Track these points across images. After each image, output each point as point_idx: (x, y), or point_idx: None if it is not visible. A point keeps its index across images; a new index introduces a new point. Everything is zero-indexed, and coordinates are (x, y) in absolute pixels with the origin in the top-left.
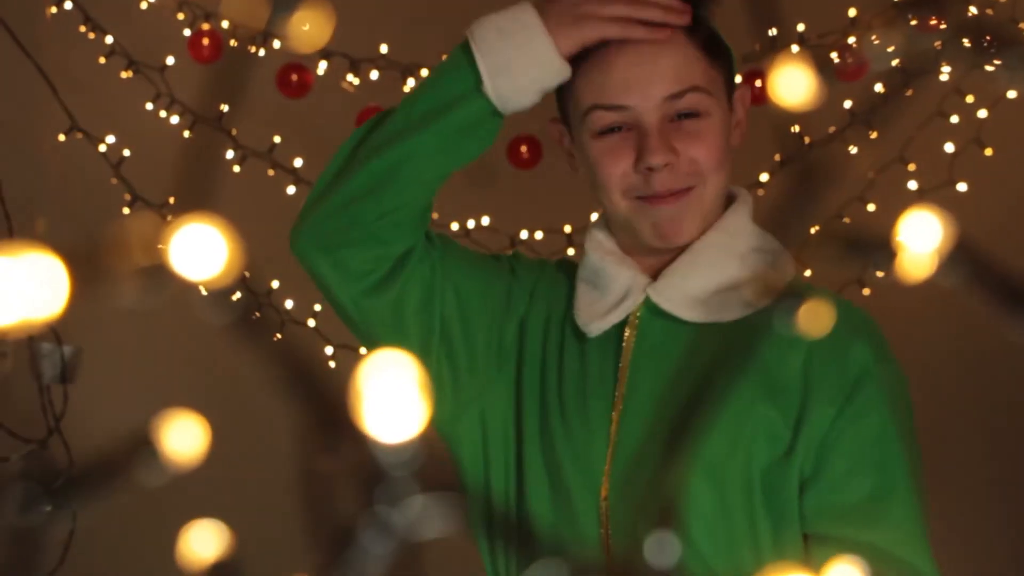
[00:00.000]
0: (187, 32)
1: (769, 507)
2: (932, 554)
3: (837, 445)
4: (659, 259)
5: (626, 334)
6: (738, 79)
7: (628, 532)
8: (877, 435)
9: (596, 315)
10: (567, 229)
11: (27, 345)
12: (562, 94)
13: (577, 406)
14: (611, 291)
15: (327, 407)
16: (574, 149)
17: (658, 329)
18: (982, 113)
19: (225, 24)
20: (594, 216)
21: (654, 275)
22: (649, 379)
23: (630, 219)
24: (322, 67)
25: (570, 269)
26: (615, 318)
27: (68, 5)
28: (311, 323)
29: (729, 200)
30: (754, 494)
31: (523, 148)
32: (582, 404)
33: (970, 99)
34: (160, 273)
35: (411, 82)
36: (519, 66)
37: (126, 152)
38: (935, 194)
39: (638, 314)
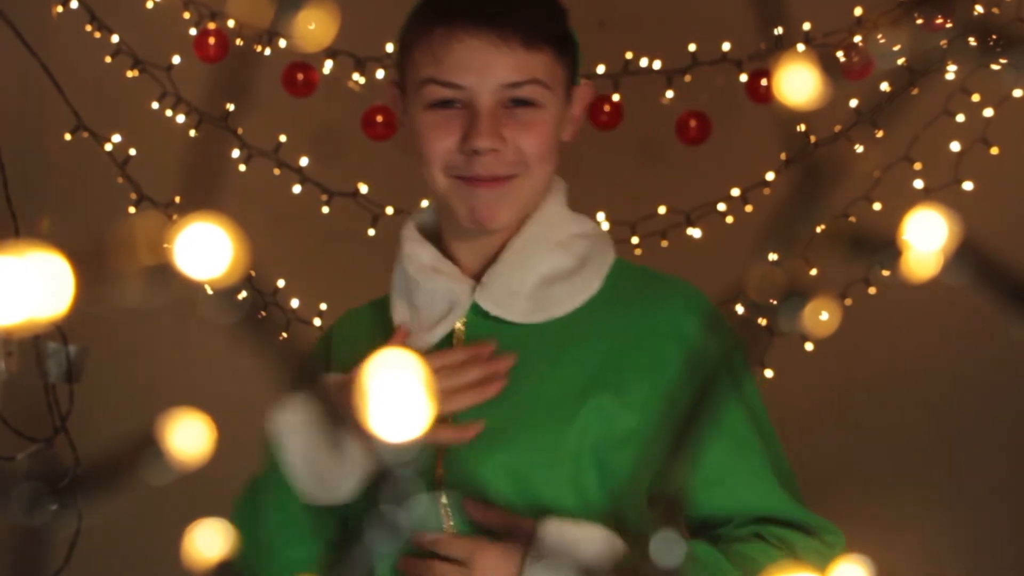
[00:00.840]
0: (193, 31)
1: (600, 473)
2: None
3: (710, 440)
4: (480, 256)
5: (454, 340)
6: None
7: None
8: (736, 417)
9: (423, 331)
10: None
11: (33, 344)
12: (402, 58)
13: None
14: (434, 305)
15: (331, 405)
16: (405, 117)
17: (488, 331)
18: (988, 112)
19: (231, 23)
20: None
21: (476, 275)
22: None
23: (448, 197)
24: (328, 66)
25: (364, 311)
26: (443, 330)
27: (74, 4)
28: (317, 322)
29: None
30: (582, 465)
31: None
32: None
33: (976, 98)
34: (165, 272)
35: None
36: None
37: (132, 151)
38: (941, 193)
39: (464, 319)
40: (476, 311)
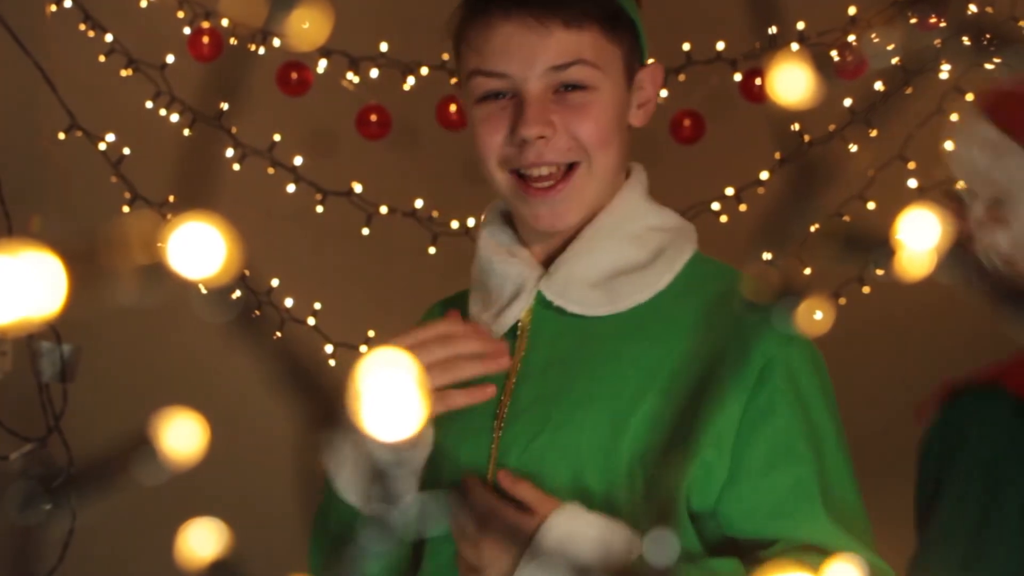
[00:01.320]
0: (187, 30)
1: (650, 490)
2: (870, 537)
3: (750, 445)
4: (552, 245)
5: (519, 329)
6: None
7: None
8: (788, 428)
9: (492, 317)
10: None
11: (27, 344)
12: (455, 58)
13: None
14: (504, 289)
15: (326, 405)
16: (469, 117)
17: (551, 321)
18: None
19: (225, 22)
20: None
21: (548, 262)
22: (538, 373)
23: (510, 199)
24: (322, 65)
25: (455, 297)
26: (510, 319)
27: (68, 3)
28: (311, 321)
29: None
30: (635, 480)
31: None
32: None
33: (970, 97)
34: (159, 271)
35: (411, 80)
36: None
37: (126, 150)
38: (935, 192)
39: (531, 307)
40: (541, 300)
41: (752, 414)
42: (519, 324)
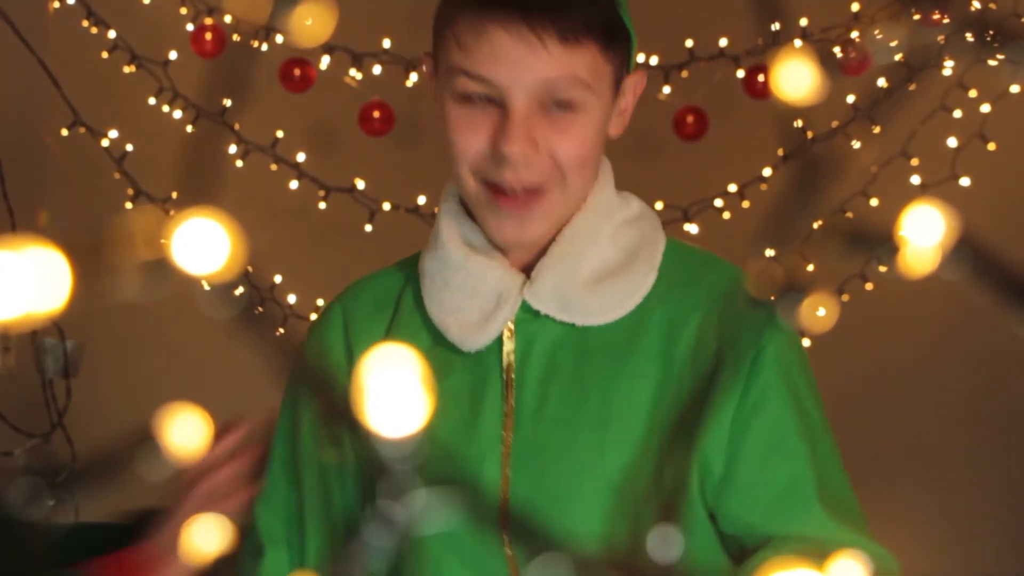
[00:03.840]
0: (190, 26)
1: (661, 498)
2: (864, 523)
3: (744, 438)
4: (528, 251)
5: (506, 344)
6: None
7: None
8: (781, 421)
9: (470, 328)
10: None
11: (30, 340)
12: (435, 32)
13: (462, 429)
14: (478, 294)
15: (330, 401)
16: (436, 94)
17: (542, 330)
18: (985, 108)
19: (228, 18)
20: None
21: (526, 269)
22: (539, 386)
23: (475, 205)
24: (325, 61)
25: (384, 279)
26: (494, 331)
27: (71, 0)
28: (313, 317)
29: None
30: (649, 496)
31: None
32: (469, 425)
33: (973, 93)
34: (163, 267)
35: (414, 77)
36: None
37: (129, 146)
38: (938, 188)
39: (514, 319)
40: (525, 309)
41: (745, 407)
42: (505, 343)
